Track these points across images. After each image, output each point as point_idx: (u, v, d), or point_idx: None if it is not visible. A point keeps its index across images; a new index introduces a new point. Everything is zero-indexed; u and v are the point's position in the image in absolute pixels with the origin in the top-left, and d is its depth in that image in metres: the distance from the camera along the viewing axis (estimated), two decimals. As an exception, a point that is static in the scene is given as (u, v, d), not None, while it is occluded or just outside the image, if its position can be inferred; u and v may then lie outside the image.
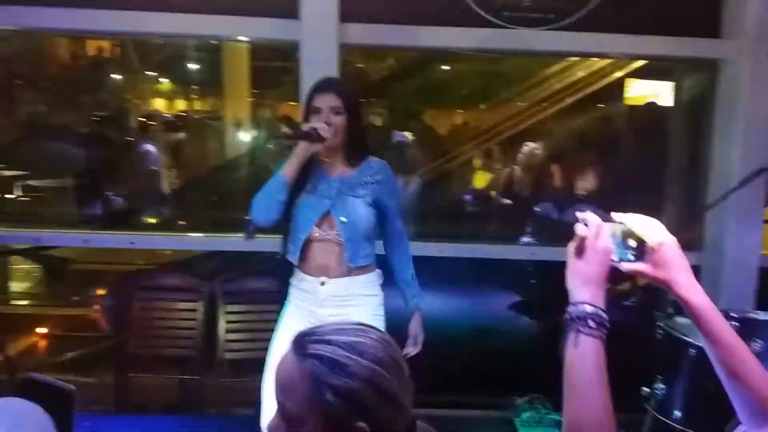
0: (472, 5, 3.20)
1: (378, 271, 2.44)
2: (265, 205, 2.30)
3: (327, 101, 2.30)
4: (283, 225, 2.37)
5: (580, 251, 1.06)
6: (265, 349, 3.35)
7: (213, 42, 6.31)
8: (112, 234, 3.67)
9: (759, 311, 2.55)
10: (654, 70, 5.34)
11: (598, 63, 5.89)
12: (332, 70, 3.07)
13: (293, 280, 2.43)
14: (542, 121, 5.96)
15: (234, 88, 7.72)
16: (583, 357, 0.99)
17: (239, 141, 7.47)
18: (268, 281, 3.48)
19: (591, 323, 1.00)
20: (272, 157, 6.74)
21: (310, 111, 2.32)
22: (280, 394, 1.02)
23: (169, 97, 11.56)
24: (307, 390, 0.98)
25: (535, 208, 4.20)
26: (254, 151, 7.16)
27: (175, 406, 3.43)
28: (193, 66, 9.25)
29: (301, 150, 2.25)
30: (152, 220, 5.65)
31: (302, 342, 1.03)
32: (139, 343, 3.32)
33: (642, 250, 1.08)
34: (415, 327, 2.48)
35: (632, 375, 2.68)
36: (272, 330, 3.34)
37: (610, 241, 1.06)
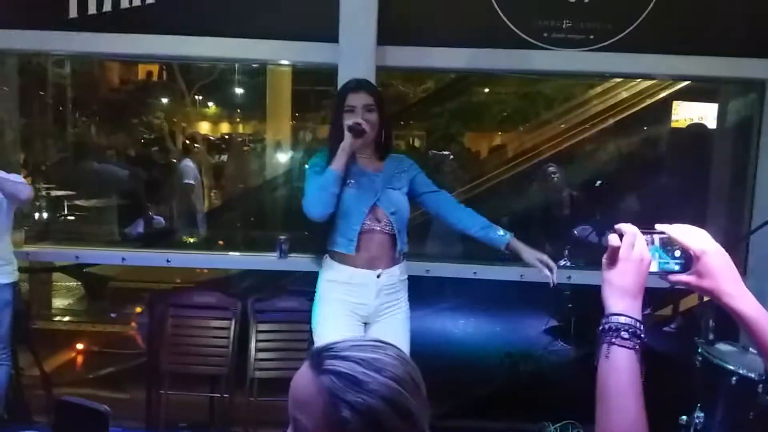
0: (512, 27, 3.19)
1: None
2: (321, 199, 2.38)
3: (360, 99, 2.42)
4: (329, 222, 2.45)
5: (612, 261, 1.02)
6: (295, 369, 3.36)
7: (257, 66, 6.45)
8: (149, 252, 3.74)
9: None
10: (699, 91, 5.21)
11: (641, 84, 5.77)
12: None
13: (335, 276, 2.49)
14: (583, 142, 5.86)
15: (276, 111, 7.86)
16: (616, 368, 0.97)
17: (280, 162, 7.59)
18: (300, 300, 3.48)
19: (624, 334, 0.97)
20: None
21: (344, 110, 2.42)
22: (295, 409, 1.00)
23: (214, 120, 11.87)
24: (323, 406, 0.96)
25: (574, 231, 4.11)
26: (293, 172, 7.25)
27: (204, 424, 3.44)
28: (237, 90, 9.49)
29: (348, 145, 2.35)
30: (191, 239, 5.74)
31: (319, 357, 1.00)
32: (171, 360, 3.34)
33: (687, 261, 1.04)
34: (530, 252, 2.45)
35: (671, 402, 2.57)
36: (302, 349, 3.36)
37: (647, 251, 1.02)
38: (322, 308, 2.51)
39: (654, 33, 3.16)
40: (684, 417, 2.53)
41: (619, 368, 0.96)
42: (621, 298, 1.00)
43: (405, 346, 2.49)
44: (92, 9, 3.23)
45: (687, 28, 3.19)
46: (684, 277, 1.05)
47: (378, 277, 2.46)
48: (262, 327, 3.38)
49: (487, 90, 8.43)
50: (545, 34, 3.21)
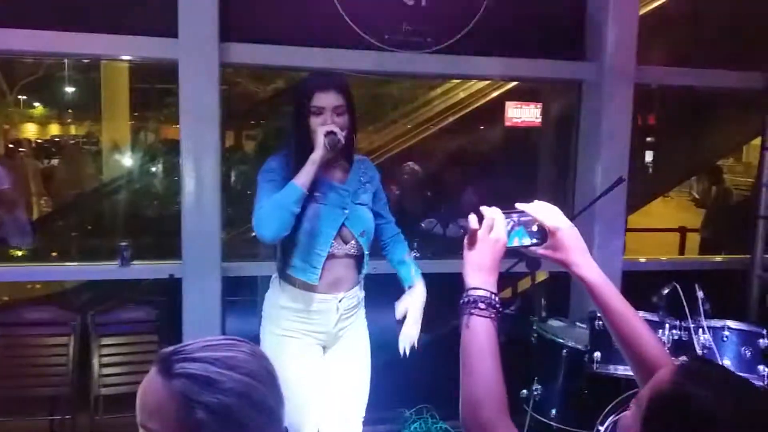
0: (355, 28, 3.26)
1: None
2: (277, 218, 2.02)
3: (330, 100, 2.09)
4: (286, 240, 2.13)
5: (472, 243, 1.14)
6: (145, 382, 3.19)
7: (89, 62, 6.01)
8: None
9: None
10: (526, 92, 5.64)
11: (477, 85, 6.13)
12: (213, 90, 3.04)
13: (289, 302, 2.19)
14: (426, 140, 6.13)
15: (113, 110, 7.40)
16: (475, 335, 1.07)
17: (119, 165, 7.15)
18: (146, 310, 3.32)
19: (481, 305, 1.09)
20: (153, 180, 6.50)
21: (310, 111, 2.09)
22: (145, 418, 0.97)
23: (42, 121, 10.90)
24: (176, 411, 0.94)
25: (421, 224, 4.29)
26: (134, 175, 6.87)
27: (44, 450, 3.17)
28: (68, 88, 8.78)
29: (319, 157, 2.03)
30: (19, 252, 5.23)
31: (168, 361, 0.97)
32: (2, 384, 3.05)
33: (543, 235, 1.20)
34: (406, 304, 2.23)
35: (511, 379, 2.77)
36: (151, 361, 3.19)
37: (503, 232, 1.15)
38: (274, 339, 2.20)
39: (485, 37, 3.38)
40: (524, 391, 2.75)
41: (478, 335, 1.07)
42: (478, 274, 1.12)
43: (367, 362, 2.34)
44: None
45: (514, 32, 3.46)
46: (540, 250, 1.21)
47: (339, 301, 2.20)
48: (106, 341, 3.19)
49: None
50: (386, 36, 3.32)
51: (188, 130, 3.06)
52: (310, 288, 2.17)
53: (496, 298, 1.11)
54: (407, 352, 2.21)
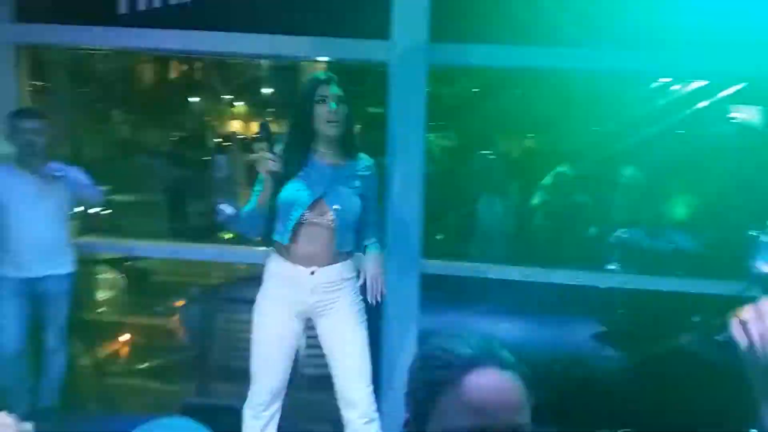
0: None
1: (355, 255, 2.59)
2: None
3: (332, 91, 2.43)
4: (269, 206, 2.43)
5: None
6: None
7: (291, 66, 6.42)
8: (201, 246, 3.74)
9: None
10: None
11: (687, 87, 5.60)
12: (420, 92, 3.08)
13: (273, 268, 2.48)
14: (630, 146, 5.71)
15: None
16: None
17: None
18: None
19: None
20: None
21: (315, 100, 2.41)
22: (517, 417, 0.95)
23: (246, 119, 11.90)
24: (526, 393, 0.97)
25: (622, 234, 4.02)
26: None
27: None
28: (271, 89, 9.48)
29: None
30: (229, 235, 5.73)
31: (499, 356, 0.99)
32: (218, 354, 3.34)
33: None
34: (371, 267, 2.58)
35: (735, 414, 2.48)
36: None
37: None
38: (259, 302, 2.52)
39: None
40: (753, 430, 2.44)
41: None
42: None
43: (356, 338, 2.51)
44: (142, 5, 3.25)
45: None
46: None
47: (312, 273, 2.44)
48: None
49: (521, 92, 8.31)
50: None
51: (395, 131, 3.12)
52: (285, 254, 2.43)
53: None
54: (378, 300, 2.56)
